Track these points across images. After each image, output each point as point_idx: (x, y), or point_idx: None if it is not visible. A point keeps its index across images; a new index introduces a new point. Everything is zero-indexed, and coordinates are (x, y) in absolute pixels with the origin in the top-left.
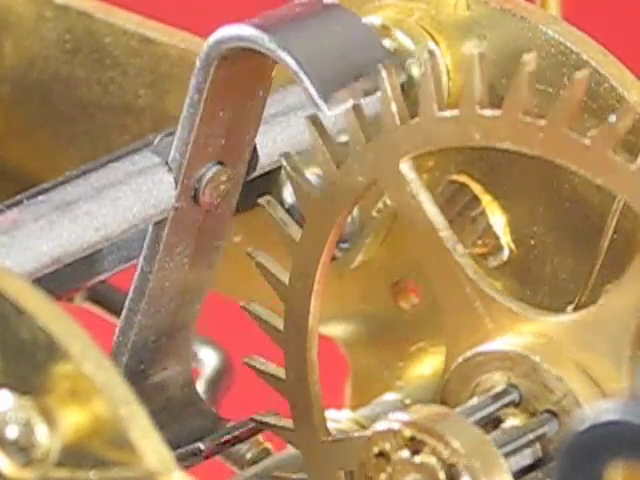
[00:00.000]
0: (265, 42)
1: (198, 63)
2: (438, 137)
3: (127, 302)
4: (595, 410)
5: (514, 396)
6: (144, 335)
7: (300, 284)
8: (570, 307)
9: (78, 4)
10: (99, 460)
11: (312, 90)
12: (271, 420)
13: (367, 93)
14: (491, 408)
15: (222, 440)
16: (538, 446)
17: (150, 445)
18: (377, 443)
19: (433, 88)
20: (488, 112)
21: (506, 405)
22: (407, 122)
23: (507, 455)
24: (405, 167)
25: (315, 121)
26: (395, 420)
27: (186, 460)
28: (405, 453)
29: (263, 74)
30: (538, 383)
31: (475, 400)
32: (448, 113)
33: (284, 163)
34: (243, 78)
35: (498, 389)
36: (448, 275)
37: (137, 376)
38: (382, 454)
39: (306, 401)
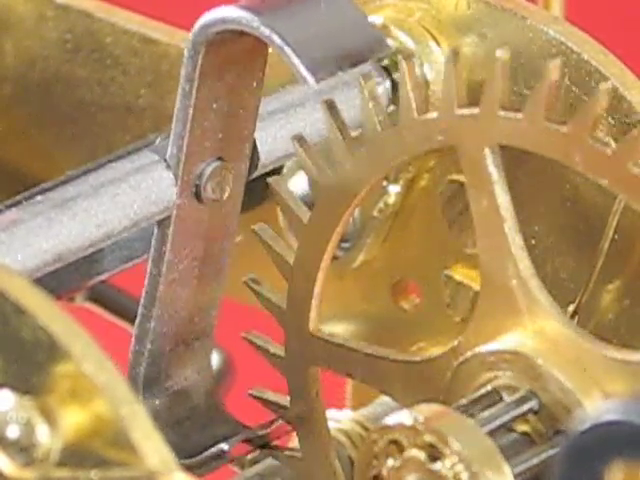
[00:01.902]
0: (249, 21)
1: (186, 52)
2: (538, 144)
3: (140, 308)
4: (596, 410)
5: (533, 404)
6: (160, 343)
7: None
8: (571, 307)
9: (79, 4)
10: (100, 460)
11: (298, 63)
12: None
13: (354, 65)
14: (510, 415)
15: (246, 440)
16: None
17: (151, 445)
18: (394, 433)
19: (553, 94)
20: (600, 146)
21: (525, 413)
22: (510, 113)
23: (515, 476)
24: (488, 151)
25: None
26: (421, 423)
27: (211, 463)
28: (422, 455)
29: (254, 61)
30: (560, 403)
31: (494, 403)
32: (556, 126)
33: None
34: (234, 65)
35: (518, 395)
36: (499, 263)
37: (158, 386)
38: (397, 443)
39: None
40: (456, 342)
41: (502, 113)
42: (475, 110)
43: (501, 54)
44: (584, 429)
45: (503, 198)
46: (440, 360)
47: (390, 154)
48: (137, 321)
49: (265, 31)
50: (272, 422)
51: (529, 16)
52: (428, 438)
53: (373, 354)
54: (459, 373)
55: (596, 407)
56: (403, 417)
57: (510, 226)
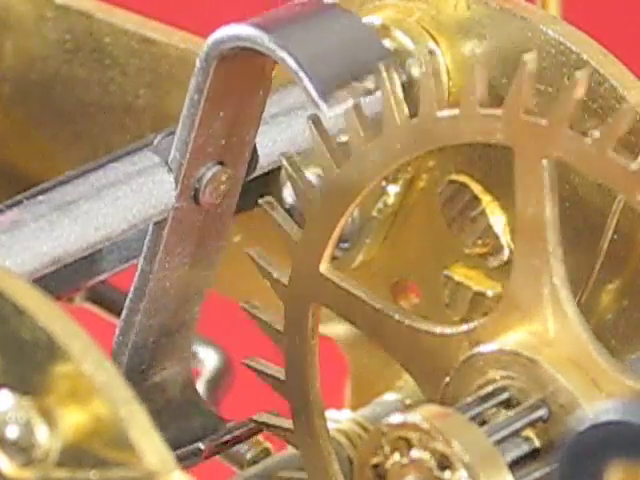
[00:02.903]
0: (265, 42)
1: (198, 63)
2: (600, 173)
3: (127, 302)
4: (595, 410)
5: (543, 412)
6: (144, 335)
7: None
8: None
9: (78, 4)
10: (99, 460)
11: (312, 90)
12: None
13: (367, 92)
14: (520, 422)
15: (222, 440)
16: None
17: (150, 445)
18: (407, 431)
19: (626, 130)
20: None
21: (534, 421)
22: (577, 134)
23: None
24: (546, 162)
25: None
26: (436, 429)
27: (186, 460)
28: (431, 460)
29: (263, 74)
30: (570, 417)
31: (506, 411)
32: (625, 161)
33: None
34: (243, 78)
35: (529, 402)
36: (534, 269)
37: (137, 376)
38: (406, 440)
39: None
40: (472, 325)
41: (569, 132)
42: (543, 121)
43: (581, 76)
44: (583, 429)
45: (551, 209)
46: (450, 338)
47: (444, 138)
48: (123, 314)
49: (281, 54)
50: (251, 420)
51: (528, 16)
52: (440, 446)
53: (382, 310)
54: (471, 362)
55: (595, 407)
56: (417, 419)
57: (553, 237)
